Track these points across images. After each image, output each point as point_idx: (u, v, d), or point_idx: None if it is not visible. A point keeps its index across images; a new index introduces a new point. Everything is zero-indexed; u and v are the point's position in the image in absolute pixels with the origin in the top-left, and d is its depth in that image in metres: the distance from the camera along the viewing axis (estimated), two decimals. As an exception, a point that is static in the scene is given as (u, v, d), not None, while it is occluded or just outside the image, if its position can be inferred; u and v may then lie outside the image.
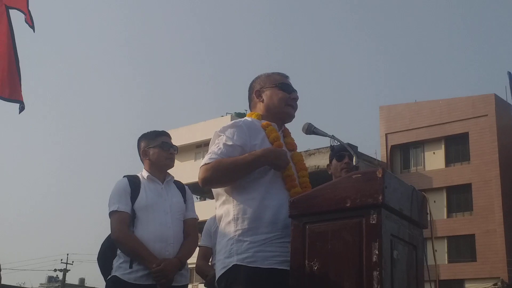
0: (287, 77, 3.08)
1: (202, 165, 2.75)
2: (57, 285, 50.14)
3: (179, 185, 3.96)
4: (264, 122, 2.96)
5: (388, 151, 34.66)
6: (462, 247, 30.77)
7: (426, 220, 2.86)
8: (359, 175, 2.57)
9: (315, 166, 29.74)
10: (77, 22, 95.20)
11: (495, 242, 29.98)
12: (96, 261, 4.08)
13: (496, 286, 28.96)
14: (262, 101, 3.02)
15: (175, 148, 3.94)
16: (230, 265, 2.68)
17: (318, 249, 2.57)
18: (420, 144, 34.33)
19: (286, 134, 3.08)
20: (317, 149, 31.68)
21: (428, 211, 2.86)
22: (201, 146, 38.84)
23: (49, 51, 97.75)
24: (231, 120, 37.48)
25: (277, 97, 2.99)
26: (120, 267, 3.63)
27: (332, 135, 3.04)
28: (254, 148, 2.83)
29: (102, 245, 4.60)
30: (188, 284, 3.74)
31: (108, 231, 4.11)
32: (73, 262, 45.49)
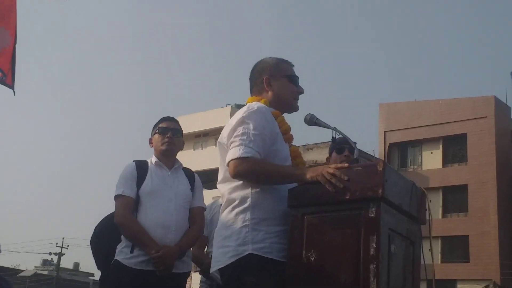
0: (293, 66, 3.02)
1: (237, 158, 2.59)
2: (51, 268, 50.16)
3: (188, 173, 3.92)
4: (274, 110, 2.87)
5: (386, 149, 34.68)
6: (456, 248, 30.83)
7: (425, 216, 2.85)
8: (360, 168, 2.56)
9: (313, 160, 29.76)
10: (82, 11, 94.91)
11: (488, 244, 30.05)
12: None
13: (488, 288, 29.10)
14: (272, 90, 2.92)
15: (175, 132, 3.83)
16: (245, 253, 2.59)
17: (315, 240, 2.56)
18: (418, 143, 34.35)
19: None
20: (316, 144, 31.74)
21: (427, 207, 2.85)
22: (200, 136, 38.89)
23: (55, 37, 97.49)
24: (231, 112, 37.68)
25: (288, 90, 2.92)
26: (122, 251, 3.62)
27: (334, 127, 3.02)
28: (277, 136, 2.76)
29: (96, 228, 4.60)
30: (190, 271, 3.72)
31: (103, 215, 4.10)
32: (68, 246, 45.65)
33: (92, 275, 48.52)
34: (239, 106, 39.30)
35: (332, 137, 3.01)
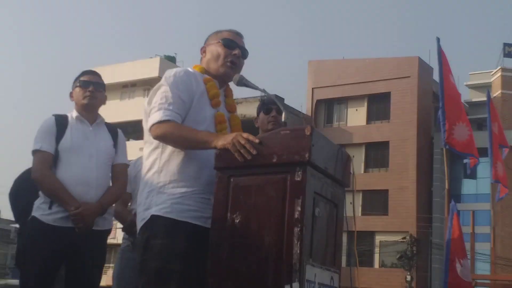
0: (237, 34, 2.98)
1: (157, 122, 2.65)
2: (-29, 215, 48.55)
3: (111, 128, 3.81)
4: (207, 77, 2.89)
5: (313, 106, 35.15)
6: (376, 201, 31.96)
7: (349, 179, 2.90)
8: (287, 132, 2.55)
9: (241, 115, 29.46)
10: None
11: (407, 198, 31.34)
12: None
13: (404, 240, 30.40)
14: (204, 57, 2.96)
15: (97, 86, 3.71)
16: (148, 216, 2.65)
17: (241, 202, 2.55)
18: (344, 101, 34.99)
19: (228, 94, 3.02)
20: (245, 98, 31.70)
21: (352, 171, 2.90)
22: (128, 86, 38.05)
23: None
24: (159, 63, 36.96)
25: (216, 53, 2.90)
26: (39, 207, 3.52)
27: (263, 89, 3.00)
28: (195, 98, 2.77)
29: (15, 181, 4.45)
30: (111, 228, 3.66)
31: (23, 168, 3.97)
32: (-13, 194, 44.11)
33: (13, 222, 47.29)
34: (168, 58, 38.64)
35: (260, 99, 2.99)
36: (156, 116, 2.67)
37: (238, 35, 2.97)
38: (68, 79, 3.73)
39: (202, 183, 2.68)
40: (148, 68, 37.04)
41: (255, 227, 2.52)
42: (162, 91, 2.74)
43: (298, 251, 2.42)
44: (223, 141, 2.56)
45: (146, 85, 37.68)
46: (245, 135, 2.56)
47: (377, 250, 31.04)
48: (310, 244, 2.51)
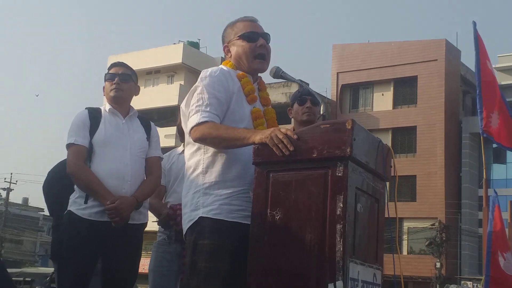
0: (253, 21, 2.91)
1: (196, 124, 2.64)
2: (0, 203, 49.49)
3: (144, 121, 3.77)
4: (240, 72, 2.85)
5: (339, 90, 34.87)
6: (404, 187, 31.66)
7: (389, 172, 2.82)
8: (328, 125, 2.48)
9: (265, 101, 29.67)
10: None
11: (435, 184, 31.00)
12: (40, 182, 3.96)
13: (434, 226, 30.13)
14: (231, 57, 2.91)
15: (123, 77, 3.66)
16: (196, 218, 2.63)
17: (281, 198, 2.50)
18: (370, 85, 34.64)
19: (262, 87, 2.97)
20: (269, 84, 31.57)
21: (393, 164, 2.83)
22: (152, 73, 38.17)
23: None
24: (183, 49, 36.96)
25: (243, 51, 2.84)
26: (75, 202, 3.50)
27: (300, 80, 2.93)
28: (232, 97, 2.73)
29: (49, 174, 4.46)
30: (147, 222, 3.64)
31: (56, 159, 3.96)
32: (17, 181, 44.89)
33: (42, 210, 48.16)
34: (192, 44, 38.62)
35: (284, 82, 2.92)
36: (194, 119, 2.66)
37: (253, 21, 2.91)
38: (96, 69, 3.69)
39: (247, 182, 2.64)
40: (171, 54, 37.10)
41: (296, 224, 2.46)
42: (199, 93, 2.71)
43: (341, 249, 2.37)
44: (261, 135, 2.52)
45: (169, 72, 37.78)
46: (283, 130, 2.52)
47: (405, 237, 30.81)
48: (352, 241, 2.45)
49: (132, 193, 3.48)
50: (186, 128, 2.73)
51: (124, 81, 3.65)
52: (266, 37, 2.89)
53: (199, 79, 2.76)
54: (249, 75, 2.87)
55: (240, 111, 2.76)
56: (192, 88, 2.78)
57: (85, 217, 3.43)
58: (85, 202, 3.44)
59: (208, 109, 2.66)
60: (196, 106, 2.68)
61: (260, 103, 2.90)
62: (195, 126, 2.64)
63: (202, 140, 2.65)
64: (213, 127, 2.62)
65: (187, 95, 2.79)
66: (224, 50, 2.95)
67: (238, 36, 2.85)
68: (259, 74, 2.96)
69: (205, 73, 2.78)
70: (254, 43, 2.83)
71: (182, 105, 2.81)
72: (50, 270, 15.53)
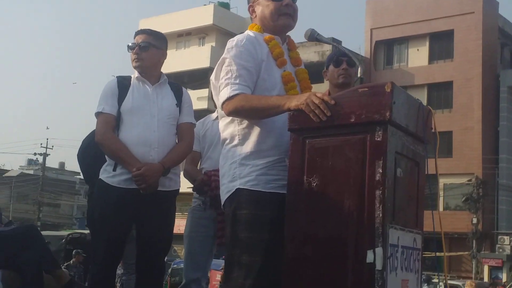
0: None
1: (227, 98, 2.58)
2: (37, 167, 50.63)
3: (175, 88, 3.72)
4: (267, 35, 2.77)
5: (372, 47, 34.26)
6: (440, 143, 30.95)
7: (430, 134, 2.74)
8: (366, 89, 2.40)
9: (298, 59, 29.36)
10: None
11: (472, 139, 30.49)
12: (76, 147, 3.98)
13: (470, 182, 29.77)
14: (255, 17, 2.83)
15: (143, 47, 3.59)
16: (234, 189, 2.60)
17: (318, 165, 2.45)
18: (405, 40, 33.94)
19: (292, 47, 2.88)
20: (300, 42, 31.16)
21: (433, 127, 2.74)
22: (183, 35, 38.05)
23: None
24: (214, 10, 36.67)
25: (268, 10, 2.76)
26: (105, 170, 3.53)
27: (333, 39, 2.83)
28: (261, 65, 2.66)
29: (83, 142, 4.49)
30: (179, 189, 3.62)
31: (92, 123, 3.98)
32: (53, 146, 45.83)
33: (78, 173, 49.11)
34: (222, 4, 38.26)
35: (316, 39, 2.82)
36: (225, 92, 2.60)
37: None
38: (130, 34, 3.65)
39: (283, 151, 2.59)
40: (202, 16, 36.83)
41: (334, 191, 2.41)
42: (227, 65, 2.65)
43: (381, 215, 2.32)
44: (296, 101, 2.46)
45: (201, 33, 37.58)
46: (319, 94, 2.45)
47: (441, 193, 30.54)
48: (392, 207, 2.39)
49: (159, 159, 3.45)
50: (218, 102, 2.69)
51: (144, 50, 3.60)
52: None
53: (225, 50, 2.69)
54: (277, 36, 2.78)
55: (270, 78, 2.69)
56: (219, 61, 2.71)
57: (114, 185, 3.44)
58: (114, 170, 3.46)
59: (237, 81, 2.59)
60: (226, 79, 2.61)
61: (291, 64, 2.83)
62: (226, 100, 2.59)
63: (236, 113, 2.60)
64: (245, 99, 2.56)
65: (216, 67, 2.72)
66: (249, 10, 2.87)
67: None
68: (288, 34, 2.87)
69: (231, 43, 2.71)
70: (280, 1, 2.75)
71: (212, 78, 2.75)
72: (86, 231, 15.85)
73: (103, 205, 3.49)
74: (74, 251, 14.66)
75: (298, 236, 2.45)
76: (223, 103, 2.61)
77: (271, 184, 2.57)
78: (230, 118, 2.68)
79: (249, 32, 2.79)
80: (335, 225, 2.40)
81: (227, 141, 2.70)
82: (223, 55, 2.70)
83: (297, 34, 2.86)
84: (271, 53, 2.72)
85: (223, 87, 2.62)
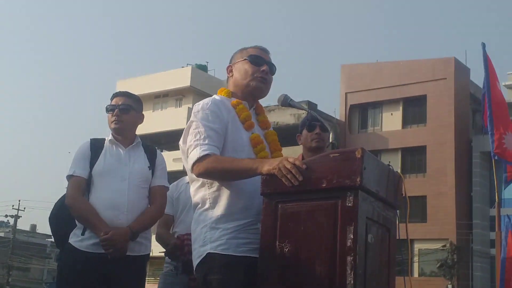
0: (263, 50, 2.89)
1: (197, 159, 2.58)
2: (7, 230, 49.50)
3: (149, 150, 3.73)
4: (234, 100, 2.81)
5: (347, 110, 34.81)
6: (414, 208, 31.36)
7: (401, 200, 2.76)
8: (337, 154, 2.43)
9: (274, 122, 29.66)
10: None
11: (446, 205, 30.69)
12: (48, 209, 3.91)
13: (445, 248, 29.77)
14: (232, 76, 2.88)
15: (123, 109, 3.61)
16: (205, 254, 2.57)
17: (290, 230, 2.44)
18: (379, 105, 34.57)
19: (259, 111, 2.92)
20: (277, 105, 31.51)
21: (404, 192, 2.76)
22: (160, 97, 38.30)
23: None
24: (191, 72, 37.08)
25: (244, 70, 2.81)
26: (74, 234, 3.49)
27: (309, 109, 2.89)
28: (229, 126, 2.69)
29: (55, 205, 4.42)
30: (149, 253, 3.56)
31: (64, 186, 3.94)
32: (24, 208, 44.97)
33: (50, 236, 48.02)
34: (200, 67, 38.75)
35: (306, 117, 2.87)
36: (194, 154, 2.61)
37: (264, 51, 2.89)
38: (105, 95, 3.68)
39: (254, 214, 2.59)
40: (179, 78, 37.21)
41: (306, 256, 2.40)
42: (194, 128, 2.67)
43: (352, 282, 2.30)
44: (268, 166, 2.47)
45: (178, 95, 37.85)
46: (291, 159, 2.46)
47: (416, 258, 30.45)
48: (363, 273, 2.38)
49: (129, 223, 3.42)
50: (187, 165, 2.68)
51: (124, 112, 3.62)
52: (271, 67, 2.86)
53: (192, 114, 2.73)
54: (245, 102, 2.83)
55: (238, 140, 2.71)
56: (187, 125, 2.74)
57: (82, 249, 3.39)
58: (82, 234, 3.42)
59: (206, 141, 2.61)
60: (195, 141, 2.63)
61: (259, 127, 2.86)
62: (197, 161, 2.58)
63: (206, 174, 2.60)
64: (216, 160, 2.57)
65: (184, 132, 2.74)
66: (227, 69, 2.91)
67: (244, 58, 2.83)
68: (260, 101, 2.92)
69: (197, 106, 2.75)
70: (258, 67, 2.81)
71: (180, 143, 2.76)
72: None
73: (71, 269, 3.42)
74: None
75: (270, 303, 2.42)
76: (194, 164, 2.59)
77: (241, 247, 2.55)
78: (201, 182, 2.67)
79: (215, 96, 2.83)
80: (306, 292, 2.37)
81: (199, 205, 2.69)
82: (190, 119, 2.72)
83: (272, 98, 2.91)
84: (238, 117, 2.75)
85: (192, 149, 2.62)
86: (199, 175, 2.61)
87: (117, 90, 3.80)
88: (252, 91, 2.83)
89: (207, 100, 2.76)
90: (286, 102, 2.80)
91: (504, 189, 5.12)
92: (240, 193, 2.61)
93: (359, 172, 2.35)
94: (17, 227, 45.30)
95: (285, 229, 2.45)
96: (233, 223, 2.58)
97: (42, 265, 50.21)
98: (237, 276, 2.50)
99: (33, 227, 55.26)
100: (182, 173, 4.24)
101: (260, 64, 2.81)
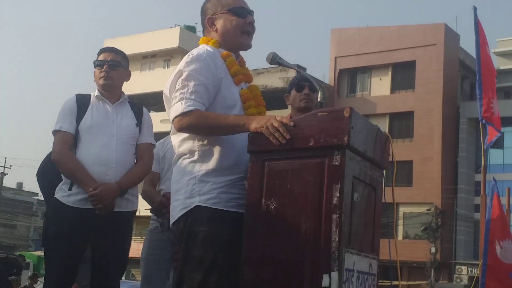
0: None
1: (180, 114, 2.51)
2: (-7, 187, 49.48)
3: (136, 107, 3.69)
4: (224, 51, 2.74)
5: (336, 75, 34.72)
6: (400, 172, 31.57)
7: (388, 161, 2.77)
8: (325, 113, 2.43)
9: (263, 85, 29.54)
10: None
11: (431, 169, 30.98)
12: (35, 167, 3.90)
13: (429, 211, 30.16)
14: (216, 30, 2.77)
15: (112, 64, 3.57)
16: (192, 206, 2.54)
17: (276, 187, 2.45)
18: (368, 70, 34.50)
19: (242, 64, 2.85)
20: (266, 68, 31.41)
21: (391, 152, 2.77)
22: (148, 57, 37.95)
23: None
24: (179, 33, 36.69)
25: (231, 25, 2.73)
26: (61, 189, 3.47)
27: (297, 65, 2.86)
28: (221, 82, 2.63)
29: (43, 161, 4.40)
30: (135, 210, 3.57)
31: (51, 144, 3.92)
32: (11, 166, 44.89)
33: (36, 194, 48.21)
34: (188, 27, 38.33)
35: (295, 76, 2.85)
36: (178, 107, 2.54)
37: None
38: (92, 53, 3.63)
39: (243, 170, 2.57)
40: (168, 38, 36.82)
41: (291, 214, 2.41)
42: (183, 79, 2.58)
43: (337, 239, 2.32)
44: (256, 124, 2.45)
45: (166, 56, 37.52)
46: (279, 117, 2.45)
47: (400, 222, 30.86)
48: (349, 231, 2.40)
49: (117, 180, 3.41)
50: (170, 115, 2.60)
51: (113, 68, 3.58)
52: (252, 14, 2.79)
53: (183, 63, 2.62)
54: (232, 53, 2.77)
55: (231, 95, 2.66)
56: (176, 72, 2.63)
57: (69, 204, 3.39)
58: (70, 189, 3.41)
59: (193, 96, 2.53)
60: (180, 93, 2.55)
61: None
62: (179, 115, 2.52)
63: (188, 130, 2.55)
64: (200, 116, 2.51)
65: (171, 79, 2.63)
66: (207, 22, 2.78)
67: (226, 10, 2.74)
68: (243, 53, 2.87)
69: (190, 56, 2.64)
70: (244, 19, 2.74)
71: (165, 91, 2.66)
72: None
73: (57, 224, 3.42)
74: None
75: (254, 258, 2.44)
76: (175, 117, 2.54)
77: (231, 202, 2.55)
78: (188, 134, 2.62)
79: (207, 47, 2.73)
80: (292, 249, 2.39)
81: (186, 155, 2.62)
82: (180, 67, 2.62)
83: (259, 59, 2.87)
84: (228, 70, 2.70)
85: (177, 101, 2.55)
86: (180, 129, 2.56)
87: (105, 47, 3.73)
88: (240, 47, 2.79)
89: (201, 51, 2.67)
90: (275, 60, 2.77)
91: (485, 150, 5.17)
92: (230, 148, 2.58)
93: (346, 131, 2.35)
94: (3, 185, 45.24)
95: (271, 187, 2.46)
96: (224, 178, 2.56)
97: (28, 222, 50.38)
98: (224, 230, 2.50)
99: (20, 184, 55.22)
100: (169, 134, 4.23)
101: (244, 15, 2.75)
